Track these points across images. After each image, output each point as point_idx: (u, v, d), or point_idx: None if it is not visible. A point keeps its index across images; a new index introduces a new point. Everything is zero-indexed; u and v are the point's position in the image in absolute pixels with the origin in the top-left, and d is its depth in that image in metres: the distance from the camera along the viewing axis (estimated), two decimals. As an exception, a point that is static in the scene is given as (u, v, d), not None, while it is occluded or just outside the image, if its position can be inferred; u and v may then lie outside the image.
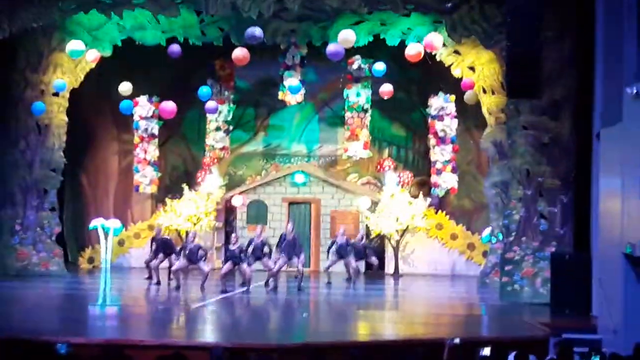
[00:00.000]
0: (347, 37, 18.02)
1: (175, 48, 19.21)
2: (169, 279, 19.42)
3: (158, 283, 19.37)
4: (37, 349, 10.63)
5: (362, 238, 20.86)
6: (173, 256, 19.56)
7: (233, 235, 19.02)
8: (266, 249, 18.60)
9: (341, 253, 19.90)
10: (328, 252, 20.31)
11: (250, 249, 18.38)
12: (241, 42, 19.14)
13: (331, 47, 18.14)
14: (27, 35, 19.91)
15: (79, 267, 23.64)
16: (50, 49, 20.63)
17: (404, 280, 21.49)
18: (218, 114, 23.76)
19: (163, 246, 19.85)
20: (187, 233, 19.63)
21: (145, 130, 23.91)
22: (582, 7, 16.01)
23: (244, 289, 17.99)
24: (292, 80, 21.41)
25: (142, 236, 23.35)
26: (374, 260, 20.84)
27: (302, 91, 22.02)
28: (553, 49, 16.55)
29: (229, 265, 17.92)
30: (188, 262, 18.47)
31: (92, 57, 20.36)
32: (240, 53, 18.30)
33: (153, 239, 20.34)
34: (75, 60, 20.76)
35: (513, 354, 9.20)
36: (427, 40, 18.18)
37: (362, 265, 21.18)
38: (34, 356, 9.82)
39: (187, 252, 18.39)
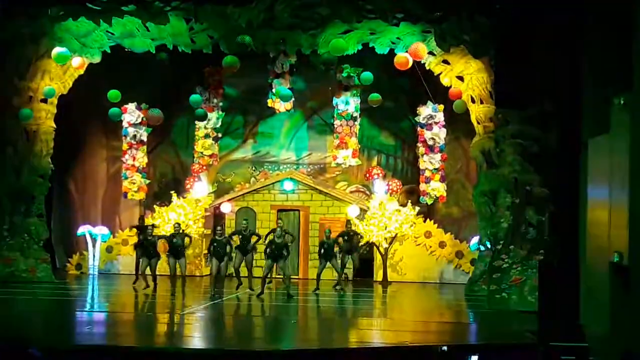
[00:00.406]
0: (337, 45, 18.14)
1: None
2: (155, 282, 19.22)
3: (147, 286, 19.16)
4: (21, 355, 10.61)
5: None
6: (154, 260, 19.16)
7: (219, 227, 19.07)
8: (253, 240, 18.78)
9: (328, 254, 19.69)
10: (319, 255, 20.08)
11: (237, 238, 18.67)
12: (230, 50, 19.20)
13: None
14: (15, 42, 19.89)
15: (66, 273, 23.57)
16: (38, 56, 20.59)
17: (393, 288, 21.51)
18: (207, 121, 23.82)
19: (146, 247, 19.21)
20: (175, 225, 19.31)
21: (134, 137, 23.91)
22: (572, 18, 16.08)
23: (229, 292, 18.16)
24: (283, 88, 21.51)
25: (130, 243, 23.27)
26: (356, 262, 20.71)
27: (292, 99, 22.10)
28: (541, 59, 16.64)
29: (216, 263, 18.12)
30: (174, 258, 18.30)
31: (76, 63, 20.35)
32: (230, 60, 18.39)
33: (137, 227, 20.27)
34: (63, 66, 20.76)
35: None
36: (411, 49, 18.29)
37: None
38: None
39: (171, 243, 18.29)
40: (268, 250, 18.07)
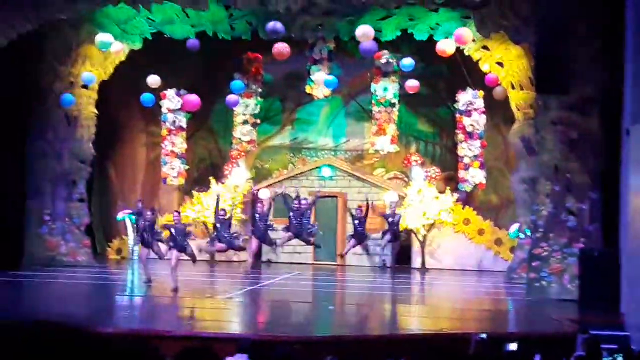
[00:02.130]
0: (365, 32, 17.99)
1: (194, 42, 19.39)
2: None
3: (148, 281, 17.47)
4: (66, 335, 10.75)
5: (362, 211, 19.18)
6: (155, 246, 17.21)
7: (222, 211, 16.80)
8: (271, 221, 17.54)
9: (359, 236, 18.83)
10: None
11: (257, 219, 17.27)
12: (268, 37, 19.19)
13: (364, 45, 18.14)
14: (56, 28, 20.04)
15: (107, 258, 23.83)
16: (79, 42, 20.74)
17: (431, 275, 21.46)
18: (245, 107, 23.91)
19: (142, 232, 17.52)
20: (174, 214, 17.36)
21: (173, 123, 24.04)
22: (612, 3, 15.87)
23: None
24: (327, 75, 21.48)
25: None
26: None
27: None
28: (582, 45, 16.42)
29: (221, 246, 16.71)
30: (178, 251, 16.31)
31: (115, 49, 20.46)
32: (281, 47, 18.35)
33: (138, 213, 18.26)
34: (104, 52, 20.88)
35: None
36: (457, 34, 18.13)
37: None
38: (61, 342, 9.88)
39: (172, 236, 16.38)
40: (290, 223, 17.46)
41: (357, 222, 18.78)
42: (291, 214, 17.17)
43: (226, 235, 15.93)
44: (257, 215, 17.18)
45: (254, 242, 17.54)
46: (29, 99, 20.84)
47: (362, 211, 18.89)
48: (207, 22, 20.09)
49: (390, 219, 19.59)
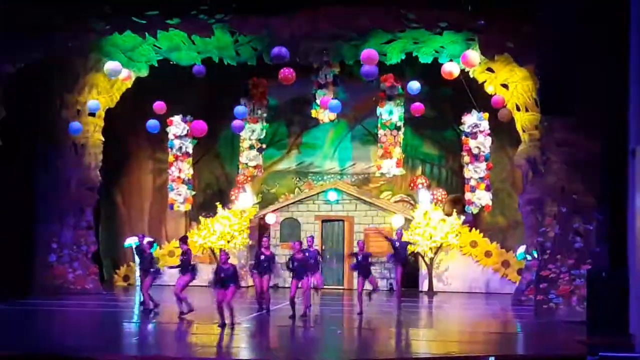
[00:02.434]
0: (370, 55, 18.04)
1: (200, 68, 19.49)
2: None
3: (155, 307, 17.47)
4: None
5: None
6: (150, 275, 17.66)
7: (223, 254, 16.00)
8: (275, 261, 17.50)
9: (363, 271, 18.57)
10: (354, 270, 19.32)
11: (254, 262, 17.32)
12: (273, 61, 19.28)
13: (365, 67, 18.17)
14: (63, 56, 20.17)
15: (114, 285, 23.82)
16: (86, 70, 20.89)
17: (438, 298, 21.39)
18: (251, 132, 24.00)
19: (141, 259, 18.05)
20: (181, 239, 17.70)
21: (179, 148, 24.13)
22: (616, 25, 15.91)
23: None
24: (331, 99, 21.54)
25: (177, 254, 23.39)
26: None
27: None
28: (587, 66, 16.46)
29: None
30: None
31: (123, 76, 20.55)
32: (286, 72, 18.42)
33: (137, 249, 18.65)
34: (111, 80, 21.00)
35: None
36: (464, 57, 18.17)
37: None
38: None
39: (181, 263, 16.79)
40: (293, 265, 16.82)
41: (360, 257, 18.35)
42: (295, 263, 16.95)
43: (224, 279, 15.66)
44: (262, 256, 17.16)
45: (257, 283, 17.43)
46: (36, 127, 20.95)
47: (363, 246, 18.49)
48: (212, 48, 20.19)
49: (397, 243, 19.29)
